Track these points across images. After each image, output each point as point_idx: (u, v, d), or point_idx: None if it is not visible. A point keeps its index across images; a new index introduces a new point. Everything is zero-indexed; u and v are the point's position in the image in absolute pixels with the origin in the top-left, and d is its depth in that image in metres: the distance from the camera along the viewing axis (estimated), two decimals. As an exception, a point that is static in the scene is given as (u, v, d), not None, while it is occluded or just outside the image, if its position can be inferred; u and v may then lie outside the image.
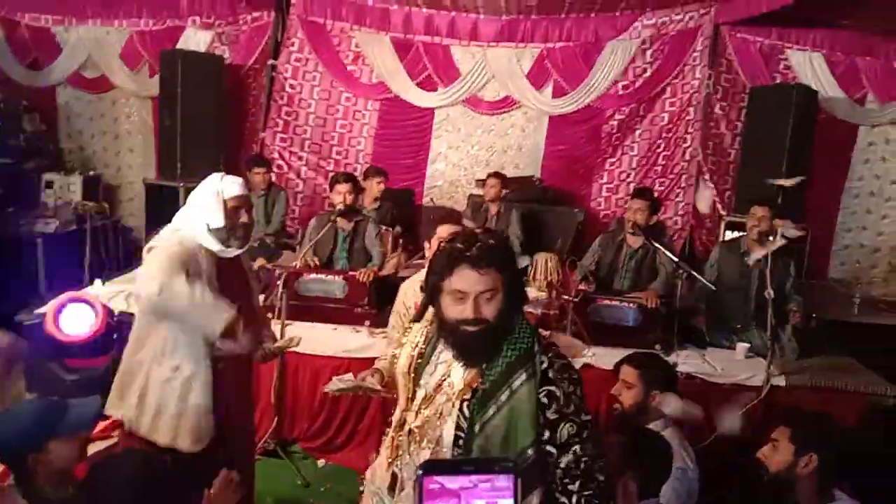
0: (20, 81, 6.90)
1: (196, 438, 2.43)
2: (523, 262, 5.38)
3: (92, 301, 2.37)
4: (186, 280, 2.27)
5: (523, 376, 1.64)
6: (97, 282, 4.35)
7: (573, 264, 4.40)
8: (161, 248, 2.40)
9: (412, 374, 1.79)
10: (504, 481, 1.16)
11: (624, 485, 1.95)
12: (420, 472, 1.13)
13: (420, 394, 1.76)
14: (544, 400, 1.64)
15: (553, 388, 1.64)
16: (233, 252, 2.52)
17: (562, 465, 1.62)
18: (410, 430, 1.74)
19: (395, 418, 1.87)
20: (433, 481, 1.13)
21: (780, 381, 3.62)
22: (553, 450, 1.62)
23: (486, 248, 1.63)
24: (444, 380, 1.72)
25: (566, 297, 3.96)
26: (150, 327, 2.48)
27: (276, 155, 6.83)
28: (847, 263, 6.60)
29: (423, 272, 2.77)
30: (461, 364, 1.70)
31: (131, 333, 2.54)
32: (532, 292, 4.88)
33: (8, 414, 1.89)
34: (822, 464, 2.04)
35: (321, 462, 3.81)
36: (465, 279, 1.62)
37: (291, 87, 6.87)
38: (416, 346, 1.82)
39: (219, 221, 2.44)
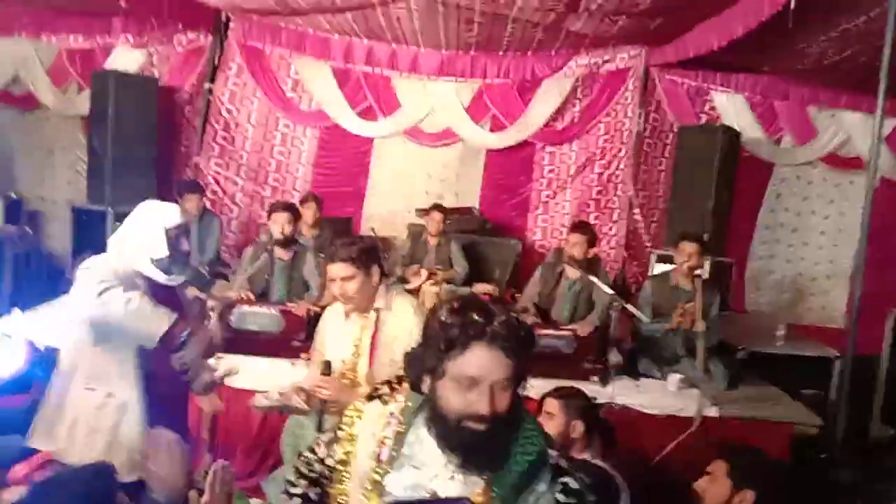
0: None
1: (131, 467, 2.32)
2: (463, 293, 5.41)
3: (12, 336, 2.24)
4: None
5: (542, 486, 1.34)
6: (16, 310, 4.11)
7: (512, 296, 4.44)
8: (95, 267, 2.35)
9: (373, 485, 1.37)
10: None
11: None
12: None
13: None
14: (560, 497, 1.36)
15: (569, 479, 1.39)
16: (178, 280, 2.48)
17: None
18: None
19: None
20: None
21: (713, 412, 3.73)
22: None
23: (509, 324, 1.29)
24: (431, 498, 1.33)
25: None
26: (80, 355, 2.40)
27: (210, 180, 6.67)
28: (761, 289, 7.00)
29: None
30: (461, 472, 1.32)
31: (59, 364, 2.45)
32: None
33: None
34: (759, 499, 2.09)
35: (256, 502, 3.67)
36: (482, 362, 1.27)
37: (228, 111, 6.74)
38: (381, 442, 1.39)
39: (162, 251, 2.39)
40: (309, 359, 3.80)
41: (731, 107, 6.63)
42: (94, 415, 2.35)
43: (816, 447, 3.92)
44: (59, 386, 2.42)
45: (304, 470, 1.54)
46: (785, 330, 5.04)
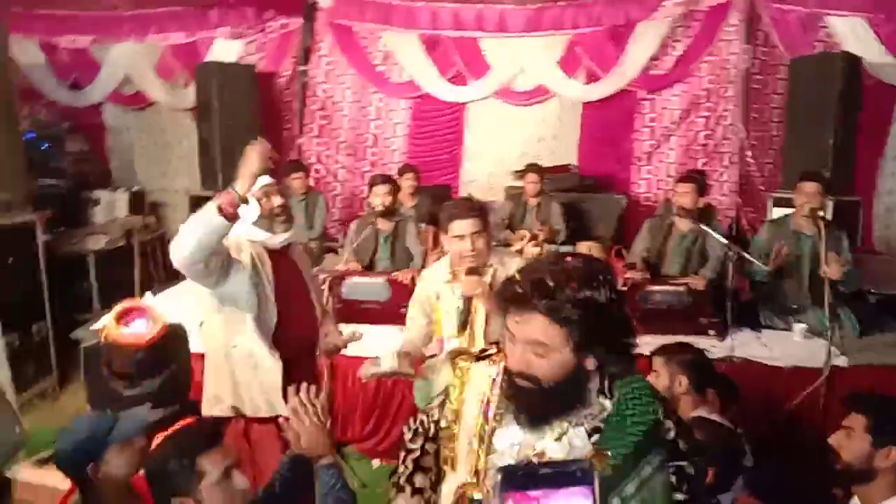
0: (63, 102, 7.09)
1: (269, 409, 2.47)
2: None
3: (148, 309, 2.42)
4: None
5: (656, 461, 1.25)
6: (147, 294, 4.44)
7: (619, 252, 4.32)
8: None
9: (480, 442, 1.39)
10: (583, 487, 1.13)
11: None
12: (499, 482, 1.06)
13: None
14: (673, 479, 1.27)
15: (684, 463, 1.28)
16: (281, 237, 2.54)
17: None
18: None
19: (447, 494, 1.49)
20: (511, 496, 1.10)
21: (842, 362, 3.49)
22: None
23: (570, 297, 1.22)
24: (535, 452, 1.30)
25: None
26: (210, 321, 2.57)
27: (313, 159, 6.89)
28: (890, 227, 6.41)
29: (441, 262, 2.78)
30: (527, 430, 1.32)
31: (200, 336, 2.64)
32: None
33: (65, 430, 1.97)
34: None
35: (376, 462, 3.83)
36: (523, 325, 1.26)
37: (324, 91, 6.91)
38: (487, 401, 1.40)
39: (255, 212, 2.46)
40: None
41: (850, 31, 6.04)
42: (241, 367, 2.49)
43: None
44: (208, 348, 2.60)
45: (419, 428, 1.60)
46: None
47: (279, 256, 2.58)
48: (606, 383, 1.31)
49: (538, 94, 6.79)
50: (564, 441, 1.29)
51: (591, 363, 1.28)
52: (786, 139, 5.88)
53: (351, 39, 6.83)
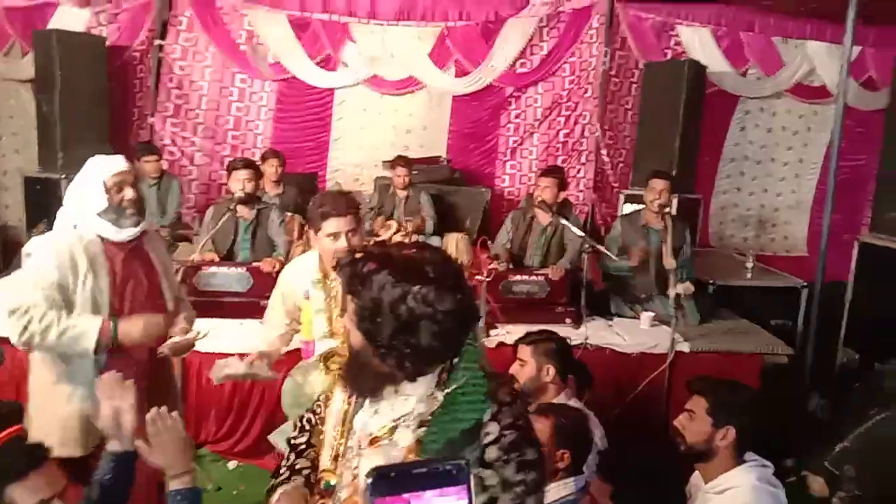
0: None
1: (82, 444, 2.29)
2: (434, 243, 5.36)
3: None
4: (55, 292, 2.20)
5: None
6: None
7: (483, 244, 4.40)
8: (30, 261, 2.24)
9: (342, 426, 1.41)
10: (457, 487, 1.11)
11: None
12: (369, 485, 1.02)
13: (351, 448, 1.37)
14: (514, 477, 1.26)
15: (489, 472, 1.25)
16: (128, 232, 2.34)
17: None
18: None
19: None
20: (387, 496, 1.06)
21: (685, 347, 3.76)
22: None
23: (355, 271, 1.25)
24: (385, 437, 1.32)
25: (478, 277, 3.96)
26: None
27: (167, 141, 6.47)
28: (725, 223, 7.08)
29: (307, 256, 2.67)
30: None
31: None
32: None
33: None
34: (739, 434, 2.09)
35: (232, 464, 3.66)
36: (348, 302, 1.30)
37: (181, 68, 6.50)
38: None
39: (102, 203, 2.27)
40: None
41: (696, 40, 6.54)
42: (48, 390, 2.32)
43: (787, 376, 4.00)
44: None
45: (305, 425, 1.59)
46: (753, 262, 5.09)
47: (126, 250, 2.38)
48: (445, 375, 1.31)
49: (408, 85, 6.76)
50: (398, 431, 1.30)
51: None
52: (637, 139, 6.26)
53: (213, 15, 6.45)
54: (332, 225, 2.36)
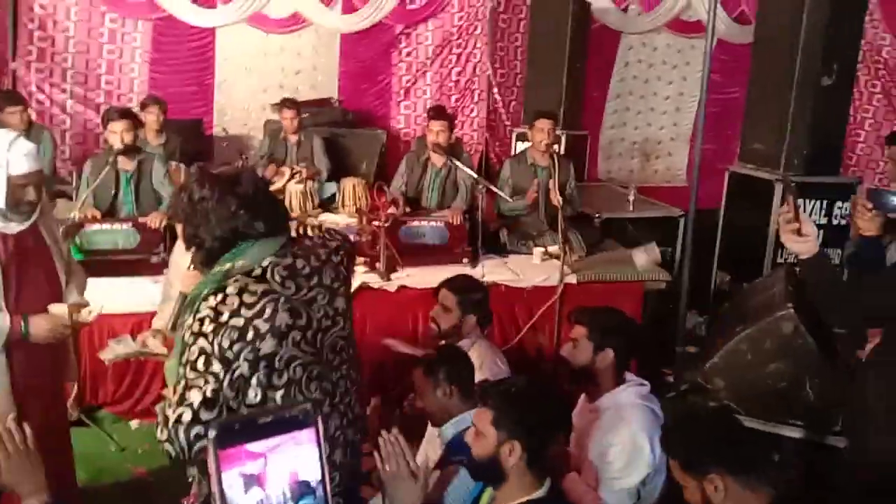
0: None
1: None
2: (330, 189, 5.30)
3: None
4: None
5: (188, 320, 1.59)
6: None
7: (381, 188, 4.41)
8: None
9: None
10: (305, 433, 1.16)
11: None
12: (213, 439, 1.06)
13: None
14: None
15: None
16: (15, 228, 2.20)
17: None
18: None
19: None
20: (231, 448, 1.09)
21: (573, 280, 3.98)
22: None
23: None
24: None
25: (376, 222, 3.98)
26: None
27: (33, 89, 5.96)
28: (612, 157, 7.40)
29: None
30: None
31: None
32: (342, 218, 4.86)
33: None
34: (617, 356, 2.30)
35: (134, 423, 3.60)
36: None
37: (42, 6, 5.94)
38: None
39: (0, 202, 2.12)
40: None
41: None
42: None
43: (667, 299, 4.31)
44: None
45: None
46: (634, 195, 5.36)
47: (19, 240, 2.23)
48: None
49: (294, 23, 6.51)
50: None
51: None
52: (526, 78, 6.36)
53: (74, -52, 5.91)
54: None
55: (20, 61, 5.93)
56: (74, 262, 2.63)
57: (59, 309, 2.27)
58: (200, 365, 1.52)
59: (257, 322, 1.53)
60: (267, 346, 1.54)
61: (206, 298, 1.55)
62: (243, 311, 1.52)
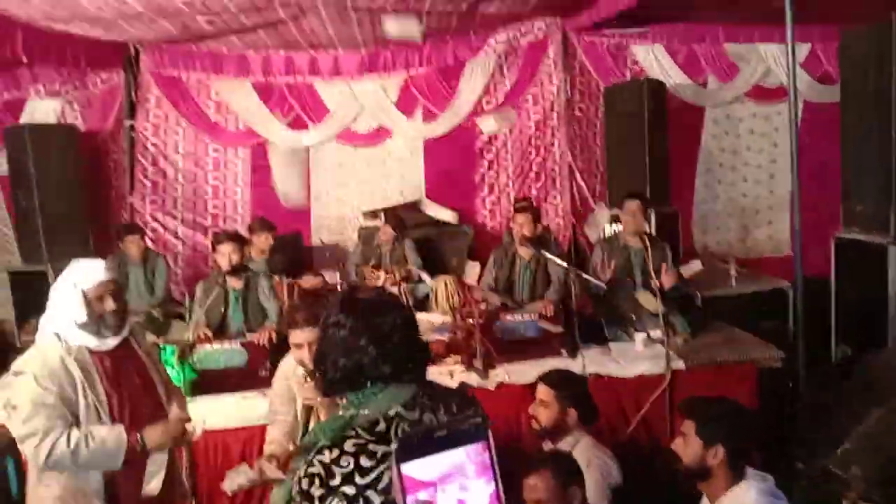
0: None
1: None
2: (424, 289, 5.40)
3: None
4: (66, 417, 2.21)
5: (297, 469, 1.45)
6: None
7: (467, 285, 4.47)
8: (26, 379, 2.22)
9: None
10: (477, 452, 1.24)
11: None
12: (396, 459, 1.16)
13: None
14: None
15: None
16: (110, 343, 2.36)
17: None
18: None
19: None
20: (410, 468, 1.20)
21: (681, 365, 3.80)
22: None
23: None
24: None
25: (470, 318, 4.00)
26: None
27: (148, 219, 6.52)
28: (708, 231, 7.19)
29: None
30: None
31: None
32: (436, 317, 4.91)
33: None
34: (730, 452, 2.15)
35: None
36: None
37: (154, 145, 6.59)
38: None
39: (82, 316, 2.28)
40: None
41: (652, 58, 6.73)
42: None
43: (784, 377, 4.04)
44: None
45: None
46: (736, 268, 5.15)
47: (114, 354, 2.39)
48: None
49: (380, 135, 6.90)
50: None
51: None
52: (607, 161, 6.39)
53: (179, 90, 6.57)
54: (295, 336, 2.45)
55: (137, 195, 6.52)
56: (171, 382, 2.76)
57: (173, 415, 2.37)
58: None
59: (370, 494, 1.37)
60: None
61: (321, 451, 1.41)
62: (357, 477, 1.37)
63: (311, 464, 1.40)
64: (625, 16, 5.92)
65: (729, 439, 2.15)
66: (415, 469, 1.22)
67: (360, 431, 1.41)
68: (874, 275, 4.23)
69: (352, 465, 1.37)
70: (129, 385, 2.40)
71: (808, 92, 6.77)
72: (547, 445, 2.92)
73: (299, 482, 1.40)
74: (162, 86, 6.52)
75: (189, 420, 2.52)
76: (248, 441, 3.32)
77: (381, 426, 1.42)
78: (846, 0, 5.20)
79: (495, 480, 1.28)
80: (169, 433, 2.35)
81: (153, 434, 2.30)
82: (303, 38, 6.02)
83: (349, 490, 1.36)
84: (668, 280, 3.99)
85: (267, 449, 2.45)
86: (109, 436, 2.22)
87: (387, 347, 1.49)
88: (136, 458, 2.29)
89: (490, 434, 1.22)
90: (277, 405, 2.70)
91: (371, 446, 1.39)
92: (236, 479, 2.35)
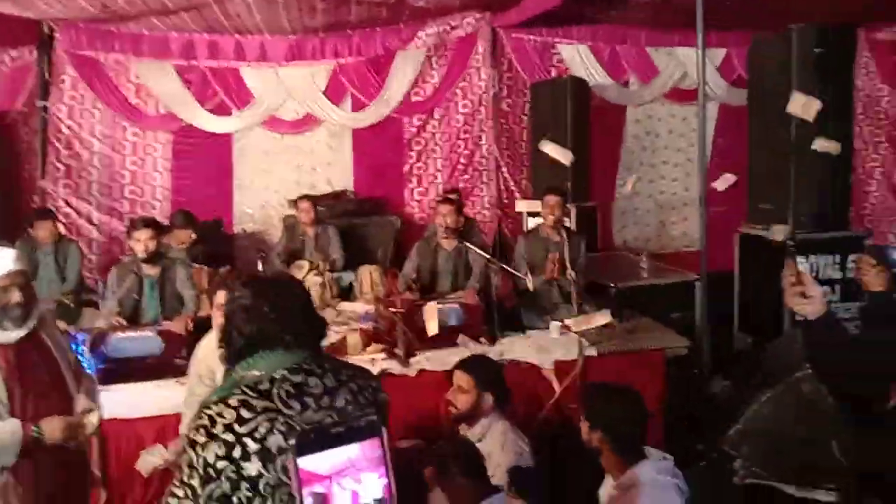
0: None
1: None
2: (348, 278, 5.41)
3: None
4: None
5: None
6: None
7: (394, 275, 4.51)
8: None
9: None
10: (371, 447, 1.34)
11: None
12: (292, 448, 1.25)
13: None
14: None
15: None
16: (11, 335, 2.27)
17: None
18: None
19: None
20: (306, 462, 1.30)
21: (593, 352, 3.96)
22: None
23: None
24: None
25: (393, 308, 4.05)
26: None
27: (61, 203, 6.26)
28: (628, 226, 7.49)
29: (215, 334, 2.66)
30: None
31: None
32: (359, 306, 4.93)
33: None
34: (610, 435, 2.29)
35: (163, 527, 3.58)
36: None
37: (69, 128, 6.32)
38: None
39: None
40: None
41: (577, 57, 6.92)
42: None
43: (689, 365, 4.27)
44: None
45: None
46: (647, 262, 5.37)
47: (20, 348, 2.30)
48: None
49: (307, 123, 6.83)
50: None
51: None
52: (532, 156, 6.55)
53: (97, 71, 6.33)
54: (220, 297, 2.43)
55: (49, 179, 6.24)
56: (82, 372, 2.68)
57: (77, 406, 2.31)
58: (185, 475, 1.49)
59: (247, 440, 1.45)
60: (252, 468, 1.44)
61: (208, 406, 1.52)
62: (236, 426, 1.46)
63: (199, 416, 1.52)
64: (551, 15, 6.09)
65: (607, 423, 2.30)
66: (311, 463, 1.33)
67: (244, 389, 1.54)
68: (773, 269, 4.48)
69: (233, 417, 1.48)
70: (35, 378, 2.33)
71: (723, 95, 7.12)
72: (463, 429, 3.00)
73: (188, 432, 1.52)
74: (77, 66, 6.27)
75: (93, 410, 2.46)
76: (162, 430, 3.26)
77: (265, 385, 1.54)
78: (759, 8, 5.52)
79: (387, 475, 1.38)
80: (69, 425, 2.28)
81: (50, 426, 2.24)
82: (228, 23, 5.91)
83: (228, 437, 1.46)
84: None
85: (182, 430, 2.42)
86: (4, 429, 2.16)
87: (286, 315, 1.62)
88: (38, 453, 2.22)
89: (384, 431, 1.30)
90: (194, 385, 2.70)
91: (252, 401, 1.50)
92: (150, 460, 2.33)
